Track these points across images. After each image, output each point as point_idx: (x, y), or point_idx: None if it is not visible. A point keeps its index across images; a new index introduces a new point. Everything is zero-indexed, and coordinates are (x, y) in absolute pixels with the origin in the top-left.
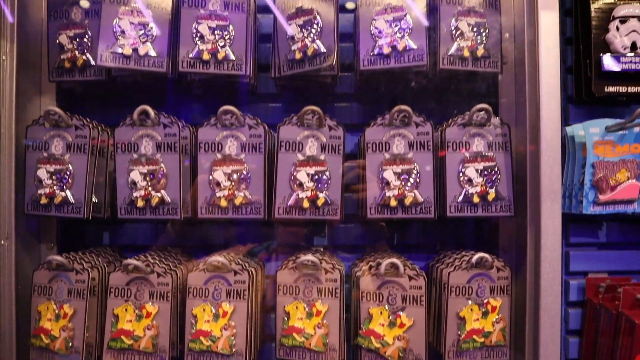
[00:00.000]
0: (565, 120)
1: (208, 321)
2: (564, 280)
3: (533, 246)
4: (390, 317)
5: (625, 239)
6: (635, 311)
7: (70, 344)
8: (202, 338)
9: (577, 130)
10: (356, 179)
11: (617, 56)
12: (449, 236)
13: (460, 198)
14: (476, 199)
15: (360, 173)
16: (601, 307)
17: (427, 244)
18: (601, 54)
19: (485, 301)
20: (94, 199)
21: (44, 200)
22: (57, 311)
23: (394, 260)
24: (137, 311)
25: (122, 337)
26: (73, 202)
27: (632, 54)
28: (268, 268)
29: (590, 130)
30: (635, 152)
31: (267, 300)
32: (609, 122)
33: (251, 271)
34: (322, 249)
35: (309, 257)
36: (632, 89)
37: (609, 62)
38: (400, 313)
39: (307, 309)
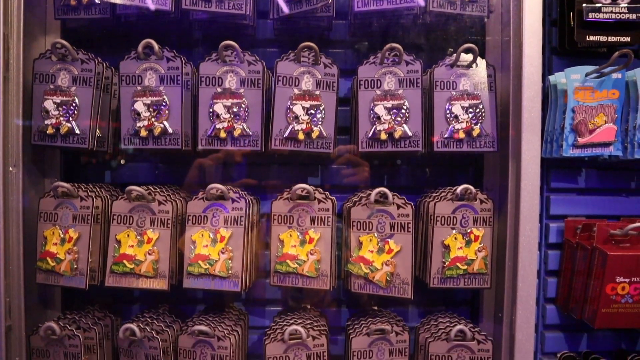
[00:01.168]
0: (549, 71)
1: (206, 246)
2: (545, 224)
3: (514, 185)
4: (379, 244)
5: (602, 185)
6: (608, 245)
7: (75, 266)
8: (200, 262)
9: (560, 78)
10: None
11: (598, 7)
12: (436, 177)
13: (447, 134)
14: (462, 135)
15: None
16: (578, 245)
17: (415, 185)
18: (583, 4)
19: (469, 231)
20: (98, 133)
21: (50, 131)
22: (62, 235)
23: (384, 189)
24: (138, 237)
25: (124, 261)
26: (78, 132)
27: (612, 5)
28: (263, 207)
29: (571, 77)
30: (613, 97)
31: (261, 234)
32: (589, 69)
33: (248, 200)
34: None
35: (303, 185)
36: (612, 39)
37: (590, 12)
38: (389, 240)
39: (300, 237)
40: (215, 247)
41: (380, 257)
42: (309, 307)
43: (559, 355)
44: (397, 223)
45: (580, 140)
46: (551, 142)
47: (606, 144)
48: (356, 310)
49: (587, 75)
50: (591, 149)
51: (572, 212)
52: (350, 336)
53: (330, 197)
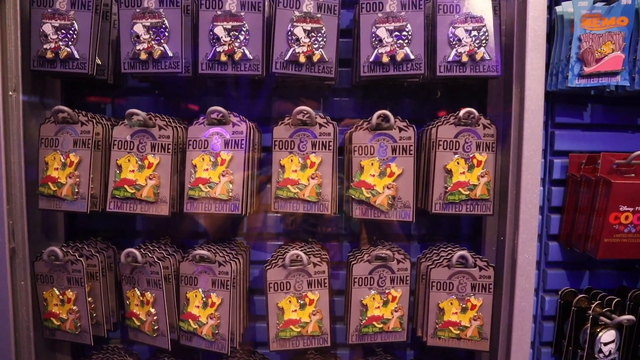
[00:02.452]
0: (556, 2)
1: (207, 169)
2: (549, 160)
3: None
4: (381, 168)
5: (608, 121)
6: (612, 175)
7: (77, 191)
8: (201, 185)
9: (567, 7)
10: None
11: None
12: (439, 108)
13: (450, 57)
14: (465, 58)
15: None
16: (582, 177)
17: (418, 118)
18: None
19: (471, 156)
20: (98, 61)
21: (49, 55)
22: (63, 160)
23: (385, 111)
24: (139, 162)
25: (125, 186)
26: (78, 57)
27: None
28: (264, 140)
29: (578, 4)
30: (621, 24)
31: (262, 166)
32: None
33: (249, 125)
34: None
35: (305, 107)
36: None
37: None
38: (391, 163)
39: (301, 161)
40: (216, 170)
41: (382, 181)
42: (310, 239)
43: (560, 292)
44: (399, 146)
45: (587, 70)
46: (556, 74)
47: (613, 74)
48: (357, 244)
49: (595, 1)
50: (597, 79)
51: (577, 148)
52: (352, 263)
53: (331, 121)
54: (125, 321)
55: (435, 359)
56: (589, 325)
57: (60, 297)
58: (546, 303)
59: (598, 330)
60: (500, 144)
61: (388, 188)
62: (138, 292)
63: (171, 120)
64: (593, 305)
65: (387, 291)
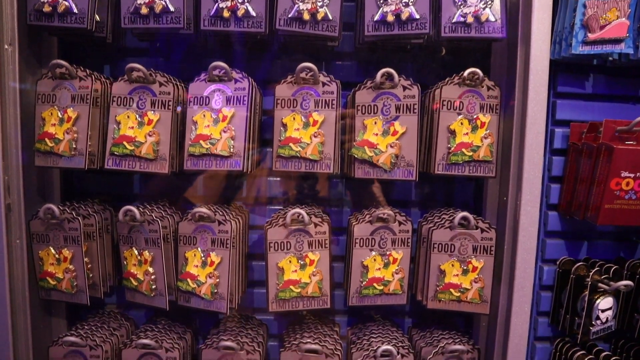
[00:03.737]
0: None
1: (208, 126)
2: (550, 130)
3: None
4: (384, 126)
5: (611, 91)
6: (614, 142)
7: (74, 147)
8: (201, 142)
9: None
10: None
11: None
12: (441, 70)
13: (455, 18)
14: (470, 19)
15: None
16: (583, 145)
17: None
18: None
19: (475, 117)
20: (97, 17)
21: (47, 9)
22: (60, 115)
23: (389, 70)
24: (139, 118)
25: (124, 142)
26: (76, 12)
27: None
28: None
29: None
30: None
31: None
32: None
33: (251, 81)
34: None
35: (308, 64)
36: None
37: None
38: (394, 122)
39: (304, 120)
40: (217, 127)
41: (385, 140)
42: (310, 202)
43: (558, 261)
44: (403, 105)
45: (590, 37)
46: (560, 42)
47: (617, 41)
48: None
49: None
50: (601, 46)
51: (578, 118)
52: (353, 224)
53: (334, 80)
54: (122, 282)
55: (434, 326)
56: (587, 292)
57: (56, 256)
58: (544, 273)
59: (596, 297)
60: (504, 107)
61: (391, 147)
62: (136, 252)
63: (172, 78)
64: (591, 273)
65: (388, 253)
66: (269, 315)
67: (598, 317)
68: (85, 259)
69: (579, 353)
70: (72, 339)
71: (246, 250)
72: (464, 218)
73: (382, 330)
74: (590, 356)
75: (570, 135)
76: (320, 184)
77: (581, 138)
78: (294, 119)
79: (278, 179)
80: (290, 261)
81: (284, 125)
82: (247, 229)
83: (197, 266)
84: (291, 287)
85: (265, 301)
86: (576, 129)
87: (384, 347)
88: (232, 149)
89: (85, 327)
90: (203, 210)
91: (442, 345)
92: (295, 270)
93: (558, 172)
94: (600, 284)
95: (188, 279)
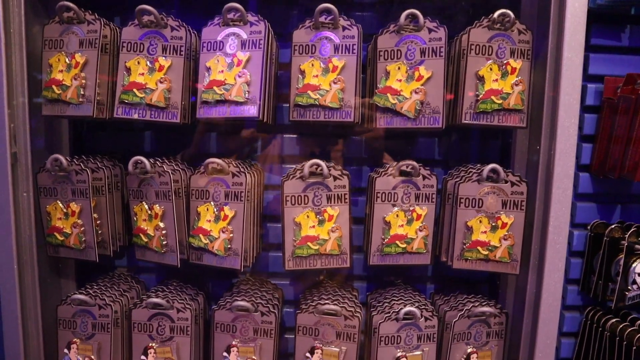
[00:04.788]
0: None
1: (222, 71)
2: (583, 85)
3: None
4: (408, 72)
5: None
6: None
7: (82, 93)
8: (215, 88)
9: None
10: None
11: None
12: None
13: None
14: None
15: None
16: (619, 99)
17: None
18: None
19: (505, 62)
20: None
21: None
22: (68, 61)
23: (414, 11)
24: (149, 64)
25: (134, 90)
26: None
27: None
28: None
29: None
30: None
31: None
32: None
33: (267, 25)
34: None
35: (327, 5)
36: None
37: None
38: (419, 66)
39: (322, 65)
40: (232, 72)
41: (409, 86)
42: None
43: (590, 224)
44: (429, 48)
45: None
46: None
47: None
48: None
49: None
50: None
51: (612, 73)
52: (375, 177)
53: (355, 24)
54: (132, 240)
55: (458, 290)
56: (622, 255)
57: (64, 210)
58: (574, 238)
59: (632, 260)
60: (536, 53)
61: (416, 92)
62: (146, 206)
63: (183, 23)
64: (627, 235)
65: (411, 208)
66: (285, 280)
67: (634, 282)
68: (94, 215)
69: (612, 320)
70: (81, 297)
71: (261, 209)
72: (493, 170)
73: (404, 293)
74: (625, 323)
75: (604, 90)
76: (339, 142)
77: (616, 93)
78: (312, 65)
79: (294, 136)
80: (307, 216)
81: (302, 72)
82: (262, 187)
83: (209, 221)
84: (309, 243)
85: (280, 265)
86: (611, 84)
87: (407, 308)
88: (247, 95)
89: (95, 287)
90: (217, 160)
91: (468, 308)
92: (313, 226)
93: (590, 131)
94: (637, 246)
95: (200, 235)
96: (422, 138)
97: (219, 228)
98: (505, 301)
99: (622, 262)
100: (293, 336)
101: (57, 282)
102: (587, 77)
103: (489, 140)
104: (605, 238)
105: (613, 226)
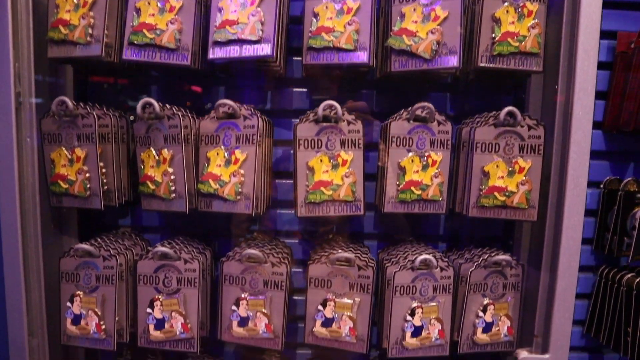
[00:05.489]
0: None
1: (235, 11)
2: None
3: None
4: (424, 12)
5: None
6: None
7: (90, 33)
8: (228, 27)
9: None
10: None
11: None
12: None
13: None
14: None
15: None
16: (634, 51)
17: None
18: None
19: (521, 4)
20: None
21: None
22: (76, 1)
23: None
24: (160, 4)
25: (144, 30)
26: None
27: None
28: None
29: None
30: None
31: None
32: None
33: None
34: None
35: None
36: None
37: None
38: (435, 7)
39: (337, 8)
40: (245, 11)
41: (425, 27)
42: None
43: (604, 181)
44: None
45: None
46: None
47: None
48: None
49: None
50: None
51: (625, 29)
52: (389, 122)
53: None
54: (139, 189)
55: (472, 245)
56: (638, 209)
57: (69, 156)
58: (587, 196)
59: None
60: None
61: (432, 33)
62: (154, 152)
63: None
64: None
65: (426, 154)
66: (294, 239)
67: None
68: (100, 163)
69: (629, 275)
70: (86, 246)
71: (270, 161)
72: (510, 113)
73: (417, 247)
74: None
75: (617, 45)
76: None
77: (630, 47)
78: (326, 7)
79: (304, 90)
80: (321, 160)
81: (316, 15)
82: (271, 138)
83: (220, 165)
84: (322, 188)
85: (290, 223)
86: (624, 39)
87: (423, 256)
88: (260, 33)
89: (99, 240)
90: (228, 102)
91: (484, 258)
92: (327, 171)
93: (602, 87)
94: None
95: (210, 180)
96: (434, 93)
97: (229, 172)
98: (520, 257)
99: (638, 215)
100: (303, 297)
101: (59, 237)
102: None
103: (501, 96)
104: (620, 192)
105: (628, 180)
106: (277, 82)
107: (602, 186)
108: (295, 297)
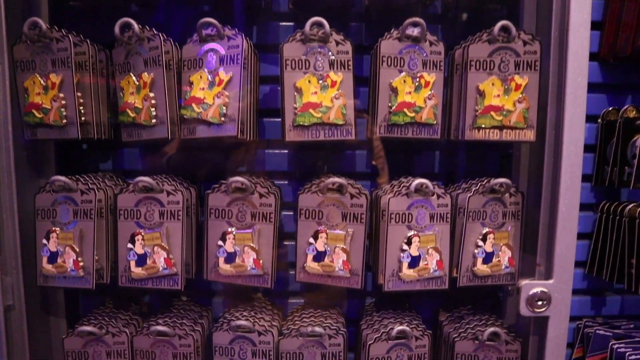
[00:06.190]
0: None
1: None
2: None
3: None
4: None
5: None
6: None
7: None
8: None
9: None
10: None
11: None
12: None
13: None
14: None
15: None
16: None
17: None
18: None
19: None
20: None
21: None
22: None
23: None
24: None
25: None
26: None
27: None
28: None
29: None
30: None
31: None
32: None
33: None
34: None
35: None
36: None
37: None
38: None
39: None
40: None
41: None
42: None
43: (601, 113)
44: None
45: None
46: None
47: None
48: None
49: None
50: None
51: None
52: (380, 41)
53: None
54: (119, 119)
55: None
56: (638, 136)
57: (43, 83)
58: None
59: None
60: None
61: None
62: (133, 77)
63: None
64: None
65: (419, 75)
66: (283, 180)
67: None
68: (78, 93)
69: (630, 206)
70: (63, 178)
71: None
72: (504, 28)
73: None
74: None
75: None
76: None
77: None
78: (309, 81)
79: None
80: (309, 81)
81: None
82: (258, 69)
83: (203, 89)
84: (311, 110)
85: (278, 164)
86: None
87: (418, 180)
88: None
89: (77, 177)
90: (212, 21)
91: (483, 183)
92: (315, 92)
93: (597, 17)
94: None
95: (193, 104)
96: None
97: (213, 94)
98: (519, 187)
99: (638, 142)
100: (293, 242)
101: (35, 180)
102: None
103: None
104: (619, 120)
105: (627, 107)
106: (263, 16)
107: (599, 120)
108: (286, 243)
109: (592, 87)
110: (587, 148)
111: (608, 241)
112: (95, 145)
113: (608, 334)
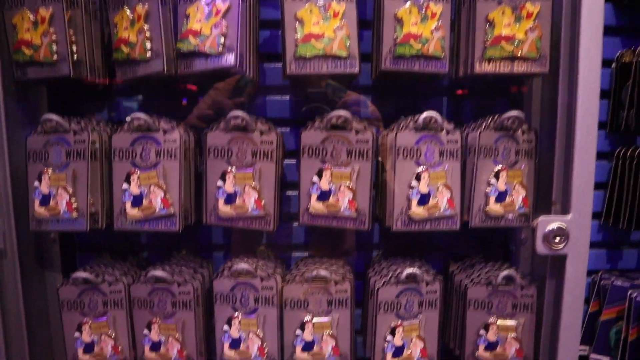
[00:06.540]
0: None
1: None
2: None
3: None
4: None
5: None
6: None
7: None
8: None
9: None
10: None
11: None
12: None
13: None
14: None
15: None
16: None
17: None
18: None
19: None
20: None
21: None
22: None
23: None
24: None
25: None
26: None
27: None
28: None
29: None
30: None
31: None
32: None
33: None
34: None
35: None
36: None
37: None
38: None
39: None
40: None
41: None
42: None
43: (616, 56)
44: None
45: None
46: None
47: None
48: None
49: None
50: None
51: None
52: None
53: None
54: (112, 57)
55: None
56: None
57: (32, 18)
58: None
59: None
60: None
61: None
62: (127, 11)
63: None
64: None
65: (425, 5)
66: (285, 127)
67: None
68: (70, 30)
69: None
70: (55, 117)
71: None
72: None
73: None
74: None
75: None
76: None
77: None
78: (310, 11)
79: None
80: (311, 11)
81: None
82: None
83: (200, 20)
84: (313, 40)
85: (279, 110)
86: None
87: (426, 114)
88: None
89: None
90: None
91: (494, 118)
92: (317, 23)
93: None
94: None
95: (190, 36)
96: None
97: (210, 25)
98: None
99: None
100: (296, 192)
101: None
102: None
103: None
104: (634, 59)
105: None
106: None
107: (613, 65)
108: (289, 193)
109: (605, 30)
110: (602, 94)
111: (625, 188)
112: (90, 94)
113: (626, 285)
